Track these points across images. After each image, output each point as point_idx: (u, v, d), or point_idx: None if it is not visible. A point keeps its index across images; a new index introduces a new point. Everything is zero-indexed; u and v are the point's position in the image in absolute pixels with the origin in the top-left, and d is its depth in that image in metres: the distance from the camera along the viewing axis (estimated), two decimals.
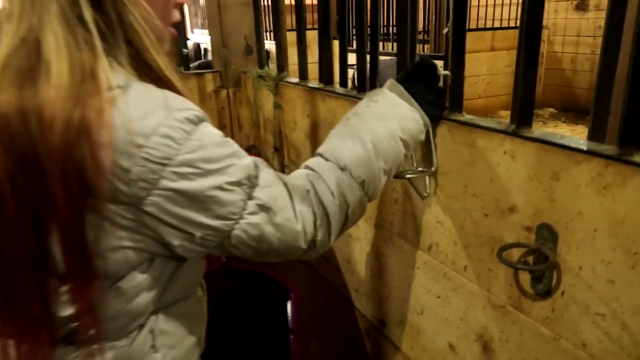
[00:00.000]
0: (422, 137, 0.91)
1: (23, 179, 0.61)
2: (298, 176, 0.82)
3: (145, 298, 0.74)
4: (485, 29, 5.44)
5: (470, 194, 0.92)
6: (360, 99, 1.19)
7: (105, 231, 0.65)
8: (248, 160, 0.73)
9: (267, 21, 4.39)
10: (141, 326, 0.76)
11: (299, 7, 1.47)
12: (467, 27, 0.93)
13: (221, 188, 0.68)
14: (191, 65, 2.59)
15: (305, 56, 1.51)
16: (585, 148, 0.70)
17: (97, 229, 0.65)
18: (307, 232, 0.76)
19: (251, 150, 1.89)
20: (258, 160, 0.76)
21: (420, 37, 4.70)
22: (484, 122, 0.88)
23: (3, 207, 0.62)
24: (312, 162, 0.86)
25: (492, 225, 0.88)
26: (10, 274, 0.66)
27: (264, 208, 0.72)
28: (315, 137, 1.45)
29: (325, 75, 1.37)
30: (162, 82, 0.70)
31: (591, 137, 0.75)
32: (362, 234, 1.31)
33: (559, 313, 0.79)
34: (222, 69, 1.93)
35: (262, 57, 1.76)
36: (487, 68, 5.44)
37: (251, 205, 0.71)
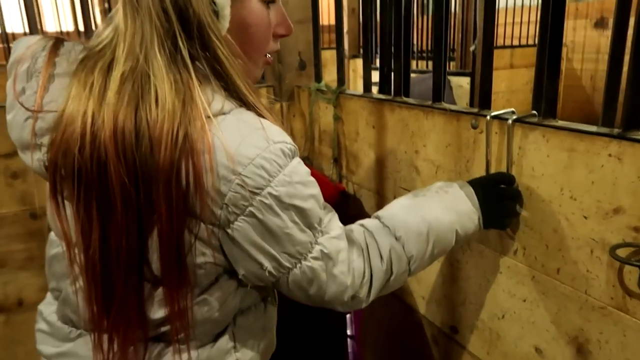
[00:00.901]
0: (474, 236, 1.01)
1: (133, 189, 0.67)
2: (355, 232, 0.86)
3: (227, 307, 0.81)
4: (504, 46, 5.51)
5: (567, 197, 0.94)
6: (435, 108, 1.22)
7: (196, 247, 0.72)
8: (326, 206, 0.79)
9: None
10: (224, 329, 0.84)
11: (365, 26, 1.53)
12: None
13: (298, 226, 0.72)
14: None
15: (369, 69, 1.55)
16: None
17: (191, 243, 0.71)
18: (354, 287, 0.81)
19: (305, 162, 1.92)
20: (329, 207, 0.82)
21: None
22: (584, 126, 0.91)
23: (113, 211, 0.68)
24: (370, 223, 0.90)
25: (593, 227, 0.90)
26: (113, 272, 0.71)
27: (326, 256, 0.77)
28: (381, 146, 1.48)
29: (396, 86, 1.41)
30: (252, 109, 0.75)
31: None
32: None
33: None
34: (275, 84, 1.98)
35: (319, 72, 1.80)
36: (506, 85, 5.49)
37: (316, 250, 0.75)
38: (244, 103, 0.74)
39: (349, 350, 1.44)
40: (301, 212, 0.72)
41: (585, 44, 5.79)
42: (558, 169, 0.95)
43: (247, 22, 0.77)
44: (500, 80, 5.42)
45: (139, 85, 0.68)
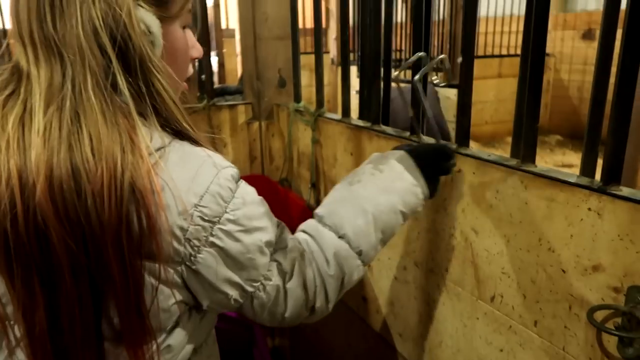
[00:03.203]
0: (421, 209, 0.96)
1: (82, 254, 0.61)
2: (300, 241, 0.84)
3: (188, 349, 0.77)
4: (492, 56, 5.50)
5: (546, 248, 0.89)
6: (413, 141, 1.17)
7: (160, 291, 0.67)
8: (276, 220, 0.78)
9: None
10: None
11: (344, 42, 1.47)
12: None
13: (260, 248, 0.72)
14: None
15: (349, 93, 1.50)
16: None
17: (154, 289, 0.66)
18: (309, 298, 0.80)
19: (283, 183, 1.86)
20: (277, 220, 0.80)
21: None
22: (563, 175, 0.86)
23: (60, 281, 0.61)
24: (311, 227, 0.87)
25: (572, 282, 0.86)
26: (68, 348, 0.64)
27: (283, 272, 0.76)
28: None
29: (373, 115, 1.36)
30: (191, 141, 0.71)
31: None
32: (410, 278, 1.28)
33: None
34: (254, 101, 1.92)
35: (299, 92, 1.75)
36: (495, 94, 5.49)
37: (273, 267, 0.75)
38: (183, 136, 0.71)
39: None
40: (259, 231, 0.72)
41: (573, 55, 5.80)
42: (537, 217, 0.90)
43: (174, 47, 0.74)
44: (489, 90, 5.42)
45: (69, 132, 0.60)
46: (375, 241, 0.88)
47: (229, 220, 0.67)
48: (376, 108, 1.36)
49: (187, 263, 0.67)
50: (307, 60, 1.83)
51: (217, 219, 0.66)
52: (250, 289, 0.73)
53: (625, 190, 0.77)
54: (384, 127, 1.34)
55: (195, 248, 0.66)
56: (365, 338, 1.54)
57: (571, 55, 5.84)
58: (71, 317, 0.63)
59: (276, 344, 2.20)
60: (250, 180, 2.06)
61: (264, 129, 1.94)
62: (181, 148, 0.68)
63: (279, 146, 1.92)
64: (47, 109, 0.61)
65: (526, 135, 0.93)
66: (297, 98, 1.75)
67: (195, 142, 0.71)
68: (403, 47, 5.15)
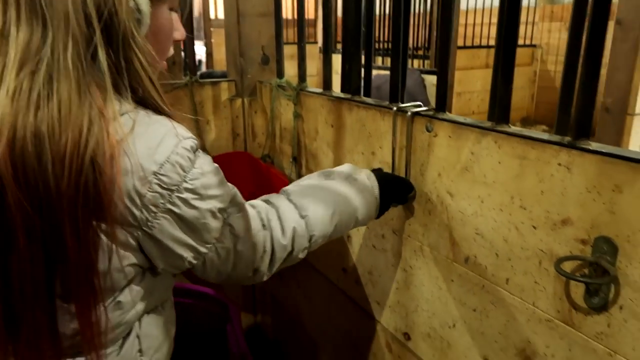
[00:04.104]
0: (364, 225, 1.13)
1: (37, 217, 0.61)
2: (258, 207, 0.89)
3: (139, 307, 0.79)
4: (480, 46, 5.53)
5: (517, 206, 0.91)
6: (391, 108, 1.18)
7: (114, 253, 0.69)
8: (230, 186, 0.80)
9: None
10: (128, 333, 0.79)
11: (326, 19, 1.47)
12: (458, 44, 0.98)
13: (213, 214, 0.74)
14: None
15: (330, 66, 1.50)
16: None
17: (108, 251, 0.68)
18: (255, 261, 0.84)
19: (265, 159, 1.87)
20: (231, 185, 0.82)
21: (421, 52, 4.74)
22: (535, 133, 0.87)
23: (14, 242, 0.62)
24: (276, 198, 0.93)
25: (541, 237, 0.87)
26: (17, 305, 0.65)
27: (234, 235, 0.80)
28: (340, 147, 1.43)
29: (354, 85, 1.36)
30: (160, 114, 0.73)
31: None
32: (388, 245, 1.29)
33: (615, 328, 0.78)
34: (237, 78, 1.91)
35: (281, 68, 1.74)
36: (482, 85, 5.52)
37: (226, 231, 0.79)
38: (155, 111, 0.73)
39: None
40: (216, 199, 0.74)
41: (560, 46, 5.85)
42: (509, 176, 0.92)
43: (159, 28, 0.77)
44: (476, 80, 5.45)
45: (39, 95, 0.61)
46: (327, 234, 0.95)
47: (187, 189, 0.70)
48: (357, 79, 1.36)
49: (144, 228, 0.70)
50: (291, 51, 1.82)
51: (176, 187, 0.69)
52: (203, 250, 0.76)
53: (593, 145, 0.79)
54: (364, 98, 1.35)
55: (152, 214, 0.69)
56: (345, 310, 1.56)
57: (558, 46, 5.89)
58: (22, 276, 0.63)
59: (258, 320, 2.21)
60: (233, 157, 2.06)
61: (247, 106, 1.94)
62: (147, 117, 0.70)
63: (261, 123, 1.92)
64: (21, 70, 0.61)
65: (500, 96, 0.94)
66: (280, 74, 1.75)
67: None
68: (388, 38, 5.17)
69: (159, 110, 0.73)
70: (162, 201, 0.69)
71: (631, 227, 0.73)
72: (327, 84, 1.50)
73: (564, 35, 5.82)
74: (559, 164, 0.82)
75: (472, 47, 5.46)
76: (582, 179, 0.79)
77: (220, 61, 6.13)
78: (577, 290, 0.83)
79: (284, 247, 0.88)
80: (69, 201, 0.61)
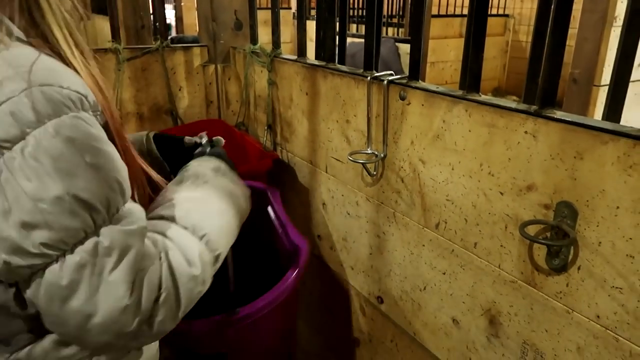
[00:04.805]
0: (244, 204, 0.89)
1: None
2: (151, 238, 0.67)
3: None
4: (454, 15, 5.53)
5: (486, 173, 0.94)
6: (365, 77, 1.19)
7: None
8: (116, 186, 0.59)
9: None
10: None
11: None
12: (432, 13, 0.98)
13: (63, 203, 0.54)
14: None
15: (305, 32, 1.49)
16: (612, 128, 0.73)
17: None
18: (140, 308, 0.60)
19: (240, 127, 1.86)
20: (136, 203, 0.66)
21: (396, 20, 4.71)
22: (504, 102, 0.90)
23: None
24: (163, 227, 0.70)
25: (508, 203, 0.91)
26: None
27: (103, 252, 0.57)
28: (314, 114, 1.44)
29: (328, 52, 1.36)
30: (58, 56, 0.62)
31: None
32: (362, 212, 1.32)
33: (573, 287, 0.83)
34: (210, 44, 1.88)
35: (255, 33, 1.72)
36: (455, 54, 5.54)
37: (90, 242, 0.57)
38: (56, 54, 0.61)
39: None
40: (70, 182, 0.54)
41: (532, 16, 5.89)
42: (478, 144, 0.95)
43: None
44: (450, 49, 5.46)
45: None
46: (228, 244, 0.79)
47: (23, 152, 0.53)
48: (331, 46, 1.36)
49: None
50: (265, 17, 1.78)
51: (9, 144, 0.53)
52: (33, 250, 0.54)
53: (558, 113, 0.82)
54: (338, 65, 1.35)
55: None
56: (320, 275, 1.60)
57: (530, 16, 5.93)
58: None
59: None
60: (207, 124, 2.04)
61: (220, 73, 1.91)
62: (12, 54, 0.56)
63: (235, 90, 1.90)
64: None
65: (471, 65, 0.96)
66: (254, 40, 1.73)
67: (74, 68, 0.62)
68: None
69: (62, 58, 0.61)
70: None
71: (590, 192, 0.77)
72: (301, 50, 1.49)
73: (537, 5, 5.86)
74: (526, 132, 0.85)
75: (447, 15, 5.45)
76: (546, 146, 0.82)
77: (191, 26, 5.96)
78: (540, 253, 0.87)
79: (193, 279, 0.67)
80: None
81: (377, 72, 1.22)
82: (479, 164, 0.95)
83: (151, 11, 1.81)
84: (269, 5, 1.62)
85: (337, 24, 1.39)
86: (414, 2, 1.08)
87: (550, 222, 0.83)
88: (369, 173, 1.24)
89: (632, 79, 0.93)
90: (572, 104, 2.43)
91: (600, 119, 0.96)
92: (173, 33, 6.21)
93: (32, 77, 0.54)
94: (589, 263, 0.80)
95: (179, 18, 6.27)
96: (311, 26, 1.62)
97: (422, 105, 1.06)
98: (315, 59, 1.46)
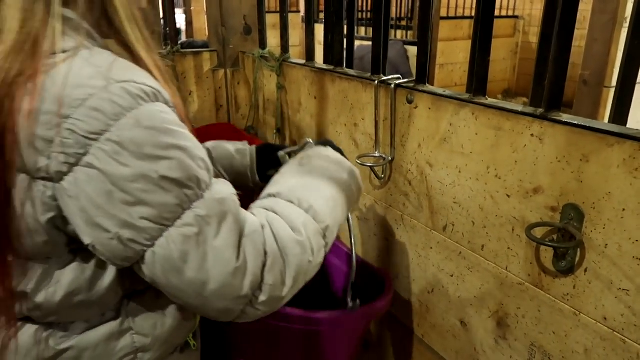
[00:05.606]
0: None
1: None
2: (252, 210, 0.72)
3: (100, 290, 0.69)
4: (463, 17, 5.51)
5: (493, 175, 0.95)
6: (373, 81, 1.20)
7: (31, 206, 0.61)
8: (201, 164, 0.63)
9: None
10: (115, 311, 0.73)
11: None
12: (441, 15, 0.98)
13: (156, 183, 0.59)
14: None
15: (313, 37, 1.51)
16: (617, 131, 0.73)
17: (20, 205, 0.60)
18: (248, 271, 0.63)
19: (249, 131, 1.87)
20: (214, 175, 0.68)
21: (404, 23, 4.72)
22: (510, 105, 0.91)
23: None
24: (268, 202, 0.75)
25: (515, 205, 0.92)
26: None
27: (202, 221, 0.61)
28: (323, 118, 1.45)
29: (336, 56, 1.37)
30: (130, 55, 0.67)
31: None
32: (370, 215, 1.33)
33: (580, 289, 0.83)
34: (219, 49, 1.90)
35: (264, 38, 1.74)
36: (464, 56, 5.53)
37: (189, 215, 0.61)
38: (128, 50, 0.68)
39: None
40: (159, 163, 0.59)
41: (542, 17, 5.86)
42: (485, 147, 0.95)
43: None
44: (459, 51, 5.44)
45: None
46: (337, 219, 0.79)
47: (111, 141, 0.57)
48: (339, 50, 1.37)
49: (60, 181, 0.59)
50: (273, 20, 1.80)
51: (97, 136, 0.57)
52: (147, 230, 0.59)
53: (564, 116, 0.82)
54: (346, 69, 1.36)
55: (67, 165, 0.58)
56: None
57: (540, 18, 5.90)
58: None
59: None
60: (217, 128, 2.06)
61: (230, 77, 1.93)
62: (88, 56, 0.61)
63: (244, 94, 1.92)
64: None
65: (478, 69, 0.97)
66: (263, 44, 1.75)
67: (147, 69, 0.66)
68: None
69: (134, 55, 0.67)
70: (77, 151, 0.57)
71: (596, 194, 0.77)
72: (309, 54, 1.51)
73: None
74: (532, 135, 0.86)
75: (455, 17, 5.44)
76: (552, 149, 0.83)
77: (201, 30, 6.01)
78: (547, 255, 0.88)
79: (299, 245, 0.68)
80: None
81: (385, 75, 1.23)
82: (486, 166, 0.96)
83: (162, 16, 1.84)
84: (277, 9, 1.64)
85: (345, 28, 1.40)
86: (420, 5, 1.08)
87: (557, 224, 0.84)
88: (377, 176, 1.25)
89: (639, 80, 0.93)
90: (582, 105, 2.42)
91: (607, 121, 0.96)
92: (183, 38, 6.28)
93: (110, 75, 0.59)
94: (596, 265, 0.80)
95: (188, 22, 6.33)
96: (320, 29, 1.64)
97: (429, 108, 1.07)
98: (324, 62, 1.48)
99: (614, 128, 0.74)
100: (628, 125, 0.90)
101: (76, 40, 0.62)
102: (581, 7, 0.79)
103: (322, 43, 1.49)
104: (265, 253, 0.66)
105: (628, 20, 2.02)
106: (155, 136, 0.59)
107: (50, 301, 0.67)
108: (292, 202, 0.74)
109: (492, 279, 1.00)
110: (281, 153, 1.04)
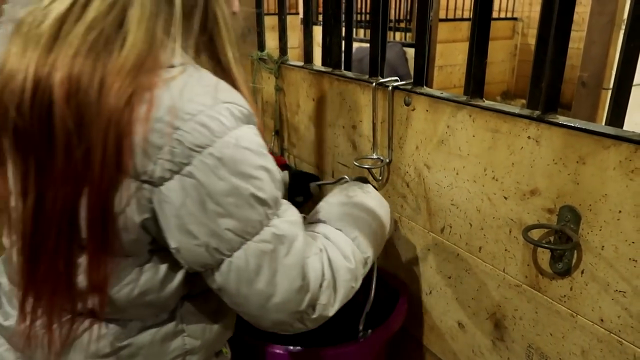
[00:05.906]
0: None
1: (75, 136, 0.63)
2: (310, 234, 0.78)
3: (167, 291, 0.74)
4: (461, 19, 5.52)
5: (490, 177, 0.95)
6: (371, 83, 1.20)
7: (128, 207, 0.65)
8: (279, 186, 0.70)
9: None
10: (171, 312, 0.77)
11: None
12: (440, 17, 0.98)
13: (245, 198, 0.64)
14: None
15: (311, 39, 1.51)
16: (614, 133, 0.74)
17: (123, 204, 0.64)
18: (311, 290, 0.70)
19: None
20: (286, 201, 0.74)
21: (403, 25, 4.73)
22: (507, 107, 0.91)
23: (53, 160, 0.63)
24: (318, 227, 0.83)
25: (512, 207, 0.92)
26: (44, 229, 0.66)
27: (278, 239, 0.67)
28: (321, 120, 1.45)
29: (335, 58, 1.38)
30: (224, 73, 0.73)
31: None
32: None
33: (577, 291, 0.83)
34: None
35: (262, 40, 1.74)
36: (463, 58, 5.54)
37: (267, 232, 0.67)
38: (221, 68, 0.73)
39: None
40: (250, 182, 0.64)
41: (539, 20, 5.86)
42: (482, 149, 0.95)
43: None
44: (458, 53, 5.45)
45: (111, 27, 0.63)
46: (377, 251, 0.89)
47: (213, 156, 0.62)
48: (337, 52, 1.37)
49: (159, 186, 0.64)
50: (272, 22, 1.80)
51: (201, 149, 0.62)
52: (229, 242, 0.65)
53: (560, 118, 0.83)
54: (344, 71, 1.36)
55: (169, 172, 0.63)
56: None
57: (539, 20, 5.91)
58: (55, 195, 0.64)
59: None
60: None
61: None
62: (198, 74, 0.66)
63: None
64: (103, 3, 0.63)
65: (475, 71, 0.97)
66: (261, 47, 1.75)
67: (230, 79, 0.72)
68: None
69: (223, 69, 0.72)
70: (182, 160, 0.62)
71: (593, 196, 0.78)
72: (307, 56, 1.51)
73: None
74: (529, 137, 0.86)
75: (454, 19, 5.45)
76: (549, 151, 0.83)
77: None
78: (544, 257, 0.88)
79: (350, 272, 0.76)
80: (103, 124, 0.61)
81: (383, 77, 1.23)
82: (483, 168, 0.96)
83: None
84: (276, 11, 1.64)
85: (344, 30, 1.40)
86: (418, 7, 1.09)
87: (554, 226, 0.84)
88: (375, 178, 1.25)
89: (635, 82, 0.93)
90: (581, 107, 2.42)
91: (604, 123, 0.96)
92: None
93: (217, 95, 0.64)
94: (593, 267, 0.80)
95: None
96: (318, 31, 1.64)
97: (427, 110, 1.07)
98: (322, 64, 1.48)
99: (610, 130, 0.75)
100: (624, 128, 0.90)
101: (184, 57, 0.67)
102: (580, 8, 0.79)
103: (321, 45, 1.50)
104: (323, 275, 0.72)
105: (626, 22, 2.02)
106: (250, 156, 0.65)
107: (125, 298, 0.71)
108: (340, 230, 0.82)
109: (490, 280, 1.00)
110: (313, 184, 1.13)
